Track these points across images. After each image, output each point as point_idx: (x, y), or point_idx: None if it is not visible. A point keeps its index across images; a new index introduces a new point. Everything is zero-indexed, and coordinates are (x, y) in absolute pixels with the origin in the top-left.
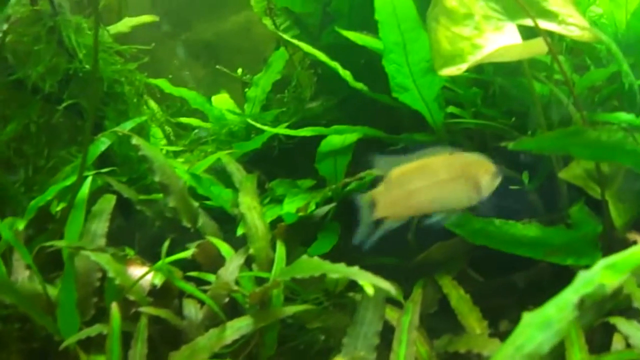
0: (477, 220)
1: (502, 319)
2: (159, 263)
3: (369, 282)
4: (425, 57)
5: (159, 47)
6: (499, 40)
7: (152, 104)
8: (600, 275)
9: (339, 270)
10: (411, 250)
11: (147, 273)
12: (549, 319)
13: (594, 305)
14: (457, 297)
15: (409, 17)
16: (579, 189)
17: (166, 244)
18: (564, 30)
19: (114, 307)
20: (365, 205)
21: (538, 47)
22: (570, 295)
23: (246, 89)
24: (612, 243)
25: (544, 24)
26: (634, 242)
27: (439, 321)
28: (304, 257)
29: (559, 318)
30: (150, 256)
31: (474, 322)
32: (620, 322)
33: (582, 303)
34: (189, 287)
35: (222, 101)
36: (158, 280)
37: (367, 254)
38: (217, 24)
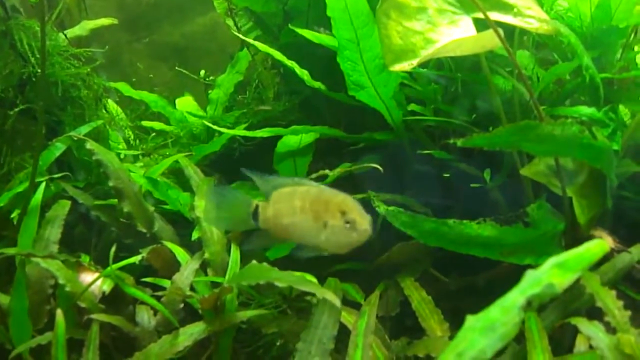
0: (428, 221)
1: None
2: (107, 269)
3: (314, 291)
4: (380, 53)
5: (125, 50)
6: (453, 35)
7: (113, 107)
8: (549, 274)
9: (285, 279)
10: (374, 252)
11: (96, 279)
12: (493, 322)
13: (557, 305)
14: (419, 298)
15: (361, 13)
16: (545, 186)
17: (112, 250)
18: (521, 23)
19: (59, 315)
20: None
21: (491, 40)
22: (516, 297)
23: (209, 91)
24: (576, 241)
25: (499, 17)
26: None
27: (401, 324)
28: (253, 262)
29: (504, 321)
30: (107, 262)
31: (434, 324)
32: (582, 323)
33: (529, 304)
34: (139, 294)
35: (186, 103)
36: (106, 287)
37: (333, 260)
38: (184, 26)
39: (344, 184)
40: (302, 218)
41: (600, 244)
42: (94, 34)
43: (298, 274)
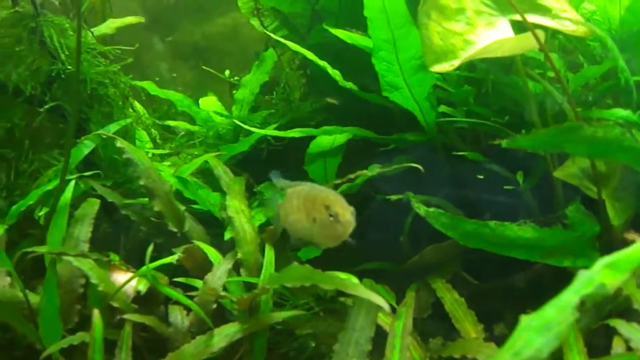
0: (469, 222)
1: (497, 322)
2: (143, 269)
3: (362, 295)
4: (416, 54)
5: (147, 49)
6: (491, 36)
7: (138, 106)
8: (600, 274)
9: (331, 281)
10: (404, 253)
11: (131, 279)
12: (548, 322)
13: (593, 307)
14: (451, 300)
15: (399, 13)
16: (575, 188)
17: (150, 248)
18: (557, 25)
19: (96, 315)
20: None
21: (530, 42)
22: (570, 296)
23: (234, 91)
24: (610, 243)
25: (537, 19)
26: (632, 242)
27: (433, 325)
28: (295, 264)
29: (559, 320)
30: (136, 261)
31: (468, 326)
32: (620, 325)
33: (582, 304)
34: (175, 294)
35: (210, 103)
36: (142, 287)
37: (361, 259)
38: (205, 26)
39: (375, 186)
40: (298, 216)
41: None
42: (115, 33)
43: (343, 275)
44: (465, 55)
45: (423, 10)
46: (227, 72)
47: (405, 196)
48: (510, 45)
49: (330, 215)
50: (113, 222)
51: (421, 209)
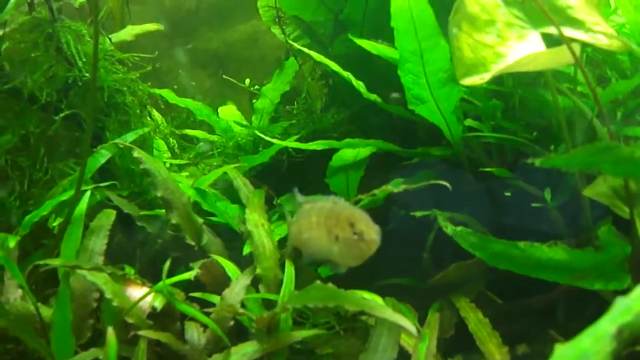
0: (498, 243)
1: (520, 342)
2: (159, 284)
3: (388, 318)
4: (444, 67)
5: (166, 56)
6: (522, 49)
7: (157, 115)
8: (639, 302)
9: (356, 302)
10: (427, 270)
11: (146, 295)
12: (585, 352)
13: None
14: (475, 320)
15: (427, 24)
16: (603, 207)
17: (167, 264)
18: (591, 39)
19: (110, 332)
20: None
21: (565, 56)
22: (607, 325)
23: (254, 100)
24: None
25: (570, 32)
26: None
27: (456, 346)
28: (317, 283)
29: (596, 350)
30: (151, 275)
31: (493, 347)
32: None
33: (620, 333)
34: (191, 310)
35: (229, 113)
36: (158, 303)
37: (381, 274)
38: (225, 34)
39: (397, 201)
40: (317, 233)
41: None
42: (133, 42)
43: (367, 295)
44: (496, 68)
45: (454, 21)
46: (247, 81)
47: (432, 213)
48: (543, 59)
49: (355, 234)
50: (129, 234)
51: (449, 228)
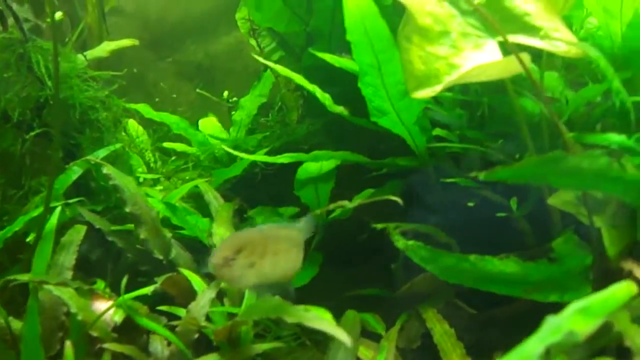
0: (449, 256)
1: (486, 354)
2: (119, 299)
3: (324, 329)
4: (402, 79)
5: (151, 69)
6: (478, 59)
7: (136, 128)
8: (570, 320)
9: (296, 315)
10: (398, 281)
11: (109, 309)
12: None
13: (584, 343)
14: (441, 331)
15: (382, 37)
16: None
17: (124, 279)
18: (548, 46)
19: (68, 346)
20: None
21: (517, 65)
22: (533, 346)
23: (232, 112)
24: (605, 274)
25: (525, 40)
26: (629, 273)
27: (422, 357)
28: (267, 296)
29: None
30: (125, 289)
31: (456, 358)
32: None
33: (548, 353)
34: (151, 324)
35: (209, 125)
36: (118, 317)
37: (350, 285)
38: (208, 45)
39: (368, 211)
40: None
41: (628, 286)
42: (118, 54)
43: (313, 308)
44: (449, 79)
45: (403, 34)
46: (225, 93)
47: (387, 227)
48: (495, 69)
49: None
50: (104, 249)
51: (400, 242)
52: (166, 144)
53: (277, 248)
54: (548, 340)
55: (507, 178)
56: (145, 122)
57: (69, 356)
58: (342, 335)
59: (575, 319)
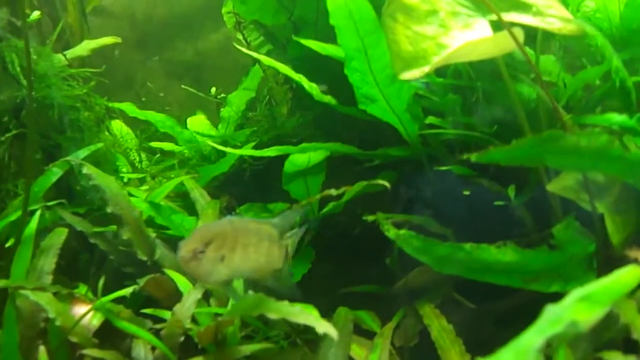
0: (443, 246)
1: (486, 350)
2: (97, 302)
3: (309, 323)
4: (390, 62)
5: (139, 69)
6: (468, 39)
7: (119, 128)
8: (572, 310)
9: (279, 310)
10: (393, 276)
11: (86, 313)
12: None
13: (589, 335)
14: (439, 328)
15: (367, 20)
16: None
17: (101, 281)
18: (541, 23)
19: (42, 352)
20: None
21: (509, 42)
22: (532, 338)
23: (221, 109)
24: (609, 262)
25: (517, 17)
26: (635, 260)
27: (420, 355)
28: (250, 293)
29: None
30: (110, 292)
31: (455, 356)
32: (616, 359)
33: (548, 345)
34: (132, 327)
35: (198, 123)
36: (96, 321)
37: (345, 281)
38: (197, 43)
39: (360, 203)
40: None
41: (633, 271)
42: (105, 55)
43: (298, 305)
44: (437, 59)
45: (388, 13)
46: (213, 90)
47: (378, 217)
48: (486, 46)
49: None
50: (91, 252)
51: (391, 232)
52: (153, 144)
53: (248, 241)
54: (548, 331)
55: (501, 160)
56: (134, 122)
57: None
58: (327, 328)
59: (577, 308)
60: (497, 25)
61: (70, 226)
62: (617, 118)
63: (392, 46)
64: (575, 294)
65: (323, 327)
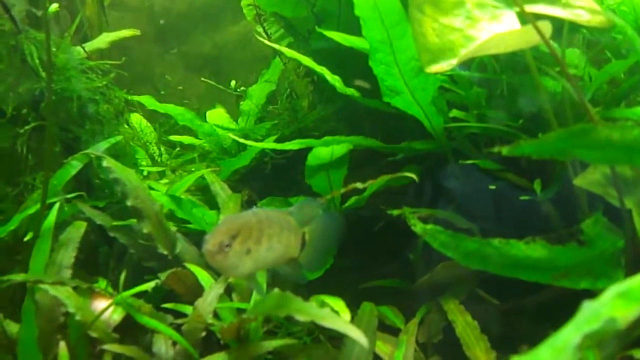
0: (470, 241)
1: (512, 347)
2: (118, 297)
3: (338, 329)
4: (416, 54)
5: (157, 62)
6: (495, 31)
7: (140, 121)
8: (610, 306)
9: (306, 312)
10: (417, 272)
11: (106, 308)
12: None
13: (618, 333)
14: (464, 324)
15: (392, 11)
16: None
17: (123, 275)
18: (569, 15)
19: (62, 348)
20: None
21: (536, 34)
22: (570, 334)
23: (241, 102)
24: (638, 259)
25: (545, 9)
26: None
27: (446, 351)
28: (275, 291)
29: None
30: (128, 287)
31: (480, 353)
32: None
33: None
34: (153, 323)
35: (217, 116)
36: (117, 316)
37: (366, 276)
38: (216, 36)
39: (383, 197)
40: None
41: None
42: (124, 49)
43: (332, 301)
44: (464, 52)
45: (415, 5)
46: (232, 83)
47: (403, 212)
48: (513, 39)
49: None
50: (111, 245)
51: (418, 226)
52: (173, 137)
53: (272, 232)
54: (585, 328)
55: (532, 153)
56: (153, 116)
57: (64, 358)
58: (357, 334)
59: (615, 304)
60: (525, 17)
61: (90, 220)
62: None
63: (418, 38)
64: (613, 290)
65: (353, 333)
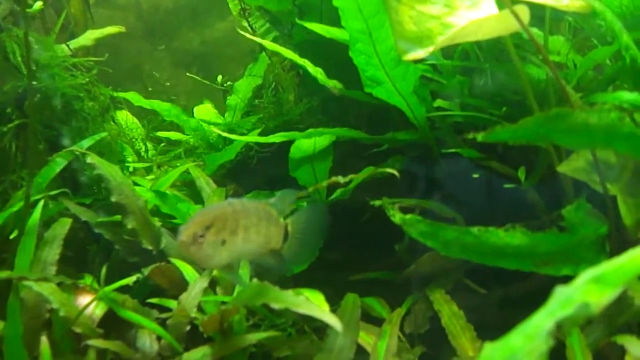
0: (450, 230)
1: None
2: (100, 292)
3: (313, 314)
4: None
5: (146, 59)
6: (474, 18)
7: (125, 117)
8: (583, 291)
9: (283, 300)
10: (403, 262)
11: (89, 303)
12: (514, 352)
13: (603, 320)
14: (449, 313)
15: (370, 1)
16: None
17: (103, 270)
18: (549, 0)
19: (44, 343)
20: None
21: (513, 22)
22: (542, 320)
23: (227, 97)
24: (622, 245)
25: None
26: None
27: (433, 341)
28: (254, 281)
29: (528, 350)
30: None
31: (466, 342)
32: (630, 342)
33: (559, 328)
34: (137, 317)
35: (205, 111)
36: (99, 311)
37: (353, 268)
38: (204, 32)
39: (369, 188)
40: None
41: None
42: (113, 46)
43: (304, 291)
44: (442, 39)
45: None
46: (219, 78)
47: (383, 202)
48: (490, 26)
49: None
50: (99, 242)
51: (396, 217)
52: (160, 133)
53: (249, 223)
54: (558, 313)
55: (509, 139)
56: (141, 112)
57: (46, 354)
58: (332, 320)
59: (589, 289)
60: (504, 4)
61: (76, 217)
62: (628, 96)
63: (395, 27)
64: (586, 274)
65: (327, 317)
